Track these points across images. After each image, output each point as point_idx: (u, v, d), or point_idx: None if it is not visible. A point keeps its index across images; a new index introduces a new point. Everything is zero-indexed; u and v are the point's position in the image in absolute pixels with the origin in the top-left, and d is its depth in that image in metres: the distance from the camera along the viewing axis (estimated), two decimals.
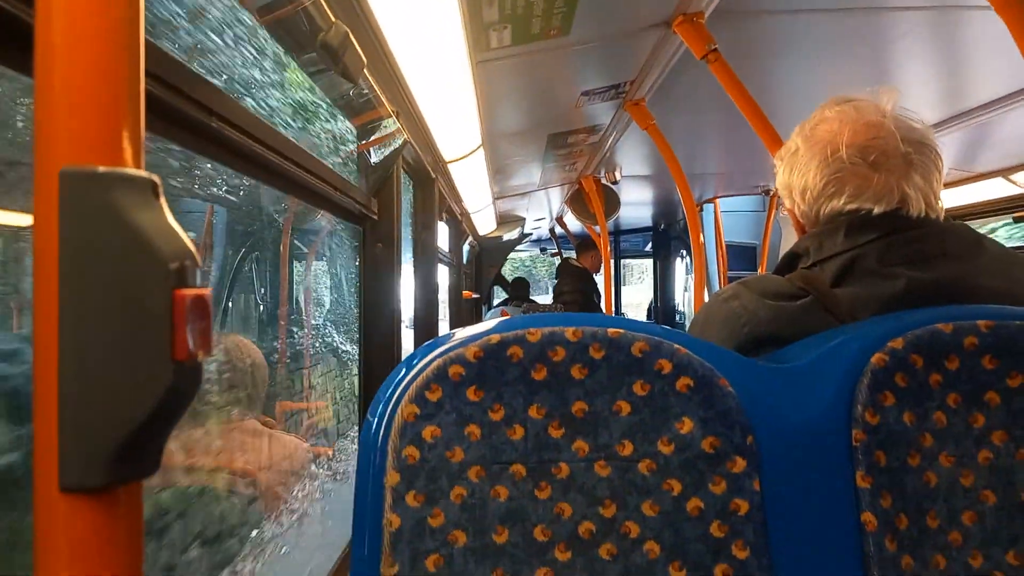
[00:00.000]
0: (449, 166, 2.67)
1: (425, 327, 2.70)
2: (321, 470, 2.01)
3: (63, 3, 0.37)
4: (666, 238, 7.42)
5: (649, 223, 7.29)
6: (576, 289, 5.08)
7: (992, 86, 2.35)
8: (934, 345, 0.71)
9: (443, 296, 4.26)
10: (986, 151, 3.07)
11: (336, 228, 2.28)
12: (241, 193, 1.75)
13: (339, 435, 2.22)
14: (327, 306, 2.46)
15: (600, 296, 5.24)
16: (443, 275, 4.15)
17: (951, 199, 3.49)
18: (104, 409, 0.36)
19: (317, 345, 2.17)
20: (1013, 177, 3.18)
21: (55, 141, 0.37)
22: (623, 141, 3.22)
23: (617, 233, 7.67)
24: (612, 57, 2.18)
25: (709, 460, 0.67)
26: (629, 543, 0.66)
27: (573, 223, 6.37)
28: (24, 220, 0.87)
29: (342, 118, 1.81)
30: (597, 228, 4.72)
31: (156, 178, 0.38)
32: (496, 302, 7.41)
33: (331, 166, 1.51)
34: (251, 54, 1.36)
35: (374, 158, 1.93)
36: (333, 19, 1.17)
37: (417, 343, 2.65)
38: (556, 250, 8.28)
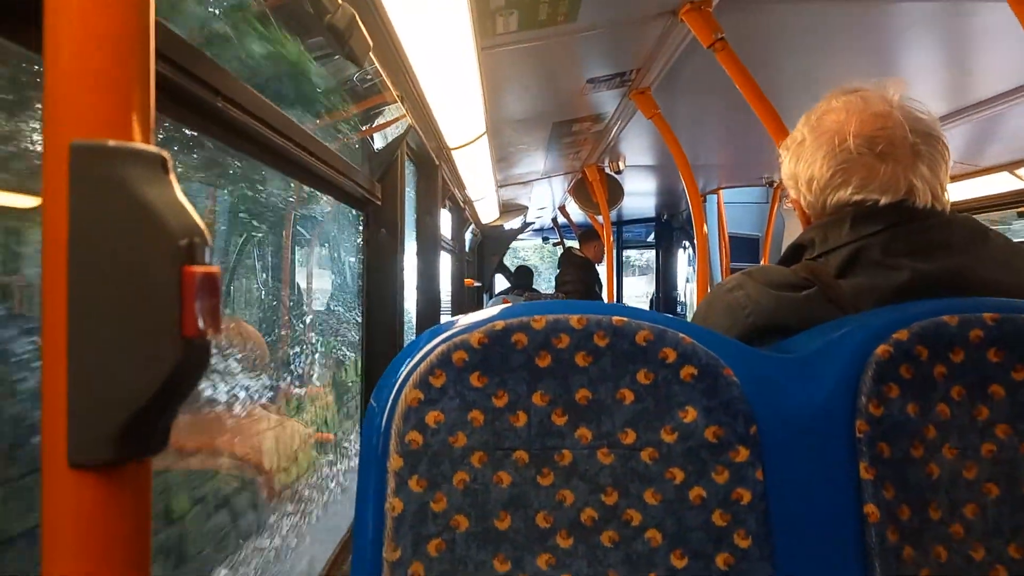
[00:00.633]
0: (453, 153, 2.66)
1: (427, 314, 2.70)
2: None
3: None
4: (669, 229, 7.40)
5: (652, 213, 7.27)
6: (578, 279, 5.08)
7: (999, 79, 2.34)
8: (939, 337, 0.71)
9: (445, 284, 4.25)
10: (992, 145, 3.05)
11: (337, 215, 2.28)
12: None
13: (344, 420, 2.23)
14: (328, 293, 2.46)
15: (602, 286, 5.24)
16: (445, 263, 4.15)
17: (955, 193, 3.46)
18: (113, 386, 0.36)
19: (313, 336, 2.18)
20: (1019, 172, 3.17)
21: (65, 115, 0.36)
22: (627, 130, 3.21)
23: (620, 223, 7.65)
24: (618, 45, 2.17)
25: (712, 449, 0.67)
26: (631, 531, 0.66)
27: (576, 212, 6.35)
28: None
29: (347, 102, 1.81)
30: (600, 218, 4.71)
31: (166, 153, 0.38)
32: (498, 290, 7.40)
33: (334, 149, 1.51)
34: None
35: (378, 143, 1.92)
36: (339, 1, 1.16)
37: (419, 330, 2.65)
38: (558, 239, 8.27)
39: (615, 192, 4.48)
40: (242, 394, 1.50)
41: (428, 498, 0.64)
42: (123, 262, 0.36)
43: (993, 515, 0.70)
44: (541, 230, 8.72)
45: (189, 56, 0.82)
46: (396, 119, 1.88)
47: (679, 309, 7.43)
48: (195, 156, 1.38)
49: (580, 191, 4.63)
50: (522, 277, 6.52)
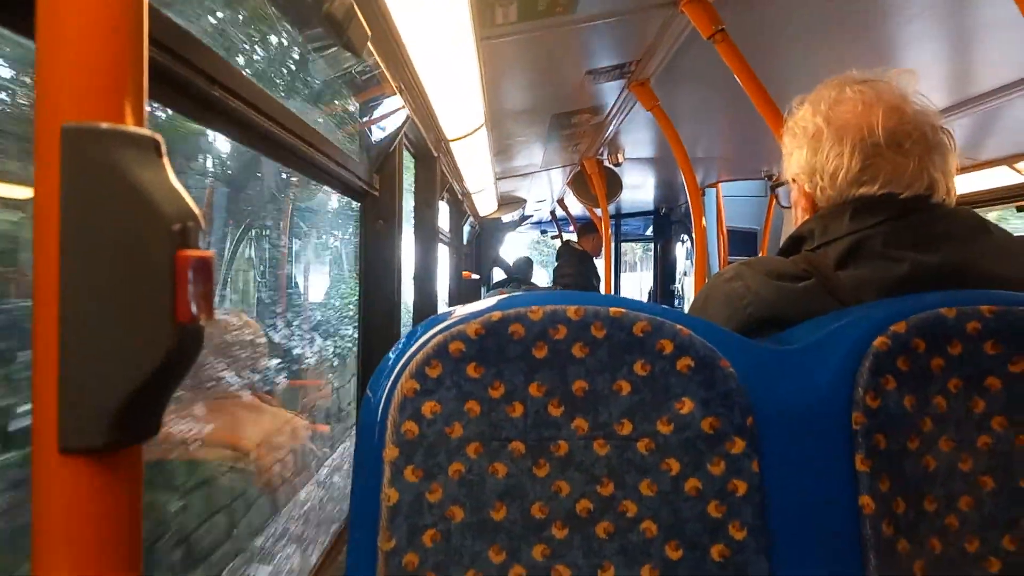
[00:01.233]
0: (451, 144, 2.66)
1: (424, 305, 2.70)
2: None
3: None
4: (667, 222, 7.39)
5: (651, 207, 7.26)
6: (576, 272, 5.08)
7: (1000, 72, 2.33)
8: (937, 329, 0.71)
9: (442, 275, 4.26)
10: (992, 139, 3.05)
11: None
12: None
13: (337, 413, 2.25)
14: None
15: (599, 279, 5.24)
16: (443, 255, 4.14)
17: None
18: (104, 370, 0.36)
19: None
20: (1018, 166, 3.17)
21: (57, 96, 0.36)
22: (627, 122, 3.20)
23: (618, 216, 7.65)
24: (618, 36, 2.16)
25: (708, 440, 0.67)
26: (627, 522, 0.66)
27: (574, 205, 6.34)
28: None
29: (346, 93, 1.80)
30: (598, 211, 4.70)
31: (159, 137, 0.37)
32: (495, 282, 7.40)
33: (333, 141, 1.50)
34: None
35: (376, 135, 1.92)
36: None
37: (416, 321, 2.65)
38: (556, 232, 8.26)
39: (614, 185, 4.47)
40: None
41: (424, 488, 0.64)
42: (115, 246, 0.36)
43: (988, 507, 0.70)
44: (539, 223, 8.71)
45: (184, 43, 0.82)
46: (394, 110, 1.87)
47: (676, 303, 7.43)
48: None
49: (579, 184, 4.62)
50: (520, 269, 6.52)
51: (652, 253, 7.73)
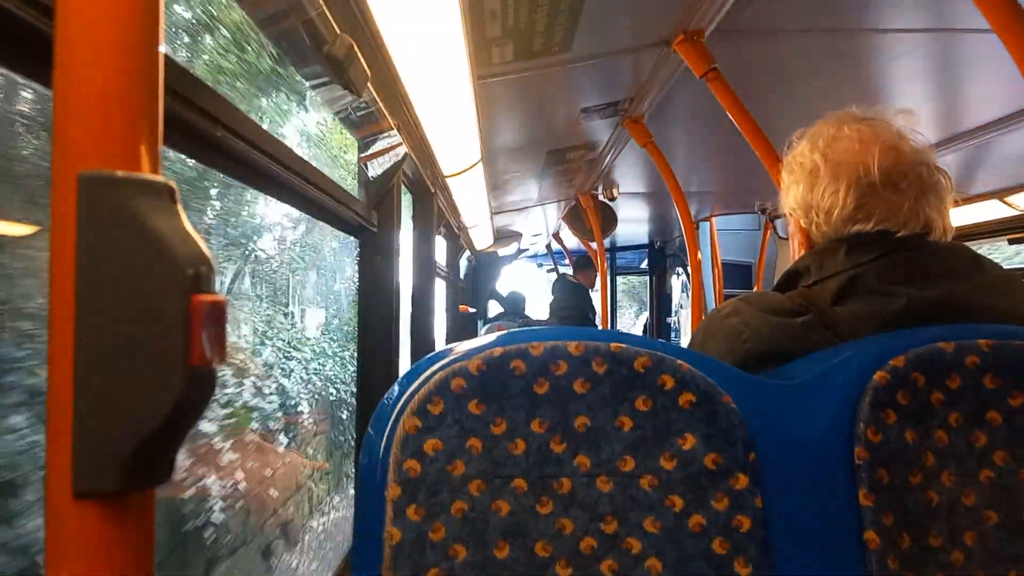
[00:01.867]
0: (448, 180, 2.68)
1: (421, 342, 2.70)
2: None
3: (81, 10, 0.37)
4: (662, 255, 7.43)
5: (645, 240, 7.30)
6: (572, 305, 5.08)
7: (988, 107, 2.38)
8: (935, 363, 0.71)
9: (439, 311, 4.25)
10: (982, 173, 3.09)
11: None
12: None
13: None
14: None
15: (595, 312, 5.24)
16: (440, 289, 4.15)
17: None
18: (119, 414, 0.36)
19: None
20: (1009, 199, 3.20)
21: (73, 145, 0.37)
22: (621, 158, 3.24)
23: (613, 249, 7.68)
24: (612, 74, 2.20)
25: (711, 476, 0.67)
26: (631, 559, 0.65)
27: (570, 239, 6.37)
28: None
29: (343, 130, 1.82)
30: (594, 244, 4.73)
31: (173, 183, 0.38)
32: (491, 316, 7.39)
33: (333, 179, 1.52)
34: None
35: (374, 171, 1.94)
36: (338, 31, 1.17)
37: (414, 357, 2.65)
38: (552, 266, 8.28)
39: (609, 219, 4.50)
40: None
41: (426, 527, 0.64)
42: (131, 291, 0.36)
43: (993, 542, 0.70)
44: (535, 256, 8.74)
45: (188, 84, 0.83)
46: (392, 147, 1.89)
47: (672, 336, 7.43)
48: None
49: (574, 218, 4.65)
50: (514, 303, 6.52)
51: (648, 286, 7.75)
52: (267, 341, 2.67)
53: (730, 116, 1.88)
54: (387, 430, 0.65)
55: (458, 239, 4.57)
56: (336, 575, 1.77)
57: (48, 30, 0.39)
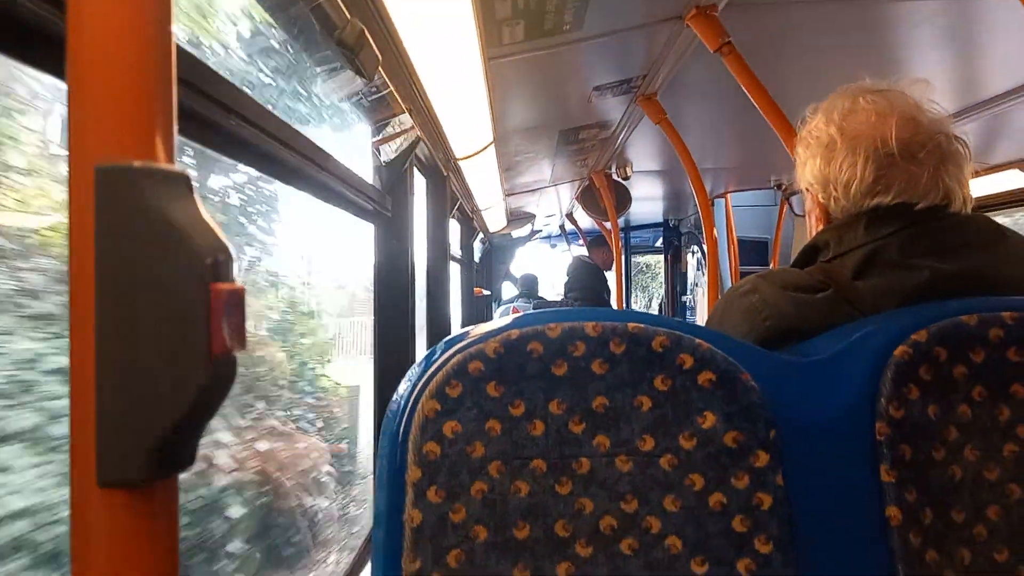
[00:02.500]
0: (461, 163, 2.68)
1: (437, 325, 2.71)
2: None
3: (92, 3, 0.37)
4: (677, 233, 7.40)
5: (660, 218, 7.26)
6: (587, 286, 5.07)
7: (1009, 75, 2.33)
8: (958, 337, 0.70)
9: (455, 294, 4.26)
10: (1001, 142, 3.04)
11: None
12: None
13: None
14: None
15: (610, 292, 5.23)
16: (455, 273, 4.16)
17: None
18: (142, 404, 0.36)
19: None
20: None
21: (89, 138, 0.37)
22: (635, 136, 3.21)
23: (628, 229, 7.65)
24: (624, 51, 2.17)
25: (732, 455, 0.67)
26: (651, 538, 0.66)
27: (583, 219, 6.35)
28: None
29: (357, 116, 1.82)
30: (608, 224, 4.71)
31: (189, 172, 0.38)
32: (505, 298, 7.40)
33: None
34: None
35: (387, 156, 1.93)
36: (348, 16, 1.17)
37: (430, 341, 2.66)
38: (566, 247, 8.27)
39: (623, 198, 4.47)
40: None
41: (447, 509, 0.64)
42: (150, 282, 0.36)
43: (1016, 516, 0.69)
44: (548, 237, 8.73)
45: (200, 73, 0.83)
46: (404, 131, 1.89)
47: (688, 315, 7.41)
48: None
49: (587, 198, 4.63)
50: (527, 284, 6.52)
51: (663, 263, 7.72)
52: None
53: (745, 91, 1.86)
54: (406, 414, 0.66)
55: (471, 222, 4.57)
56: (357, 558, 1.79)
57: (61, 24, 0.39)
